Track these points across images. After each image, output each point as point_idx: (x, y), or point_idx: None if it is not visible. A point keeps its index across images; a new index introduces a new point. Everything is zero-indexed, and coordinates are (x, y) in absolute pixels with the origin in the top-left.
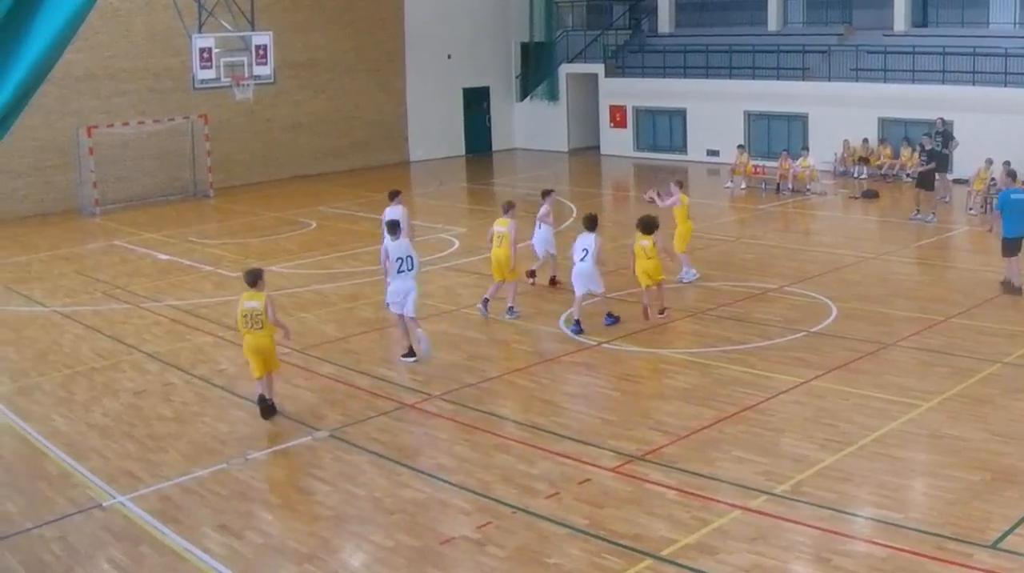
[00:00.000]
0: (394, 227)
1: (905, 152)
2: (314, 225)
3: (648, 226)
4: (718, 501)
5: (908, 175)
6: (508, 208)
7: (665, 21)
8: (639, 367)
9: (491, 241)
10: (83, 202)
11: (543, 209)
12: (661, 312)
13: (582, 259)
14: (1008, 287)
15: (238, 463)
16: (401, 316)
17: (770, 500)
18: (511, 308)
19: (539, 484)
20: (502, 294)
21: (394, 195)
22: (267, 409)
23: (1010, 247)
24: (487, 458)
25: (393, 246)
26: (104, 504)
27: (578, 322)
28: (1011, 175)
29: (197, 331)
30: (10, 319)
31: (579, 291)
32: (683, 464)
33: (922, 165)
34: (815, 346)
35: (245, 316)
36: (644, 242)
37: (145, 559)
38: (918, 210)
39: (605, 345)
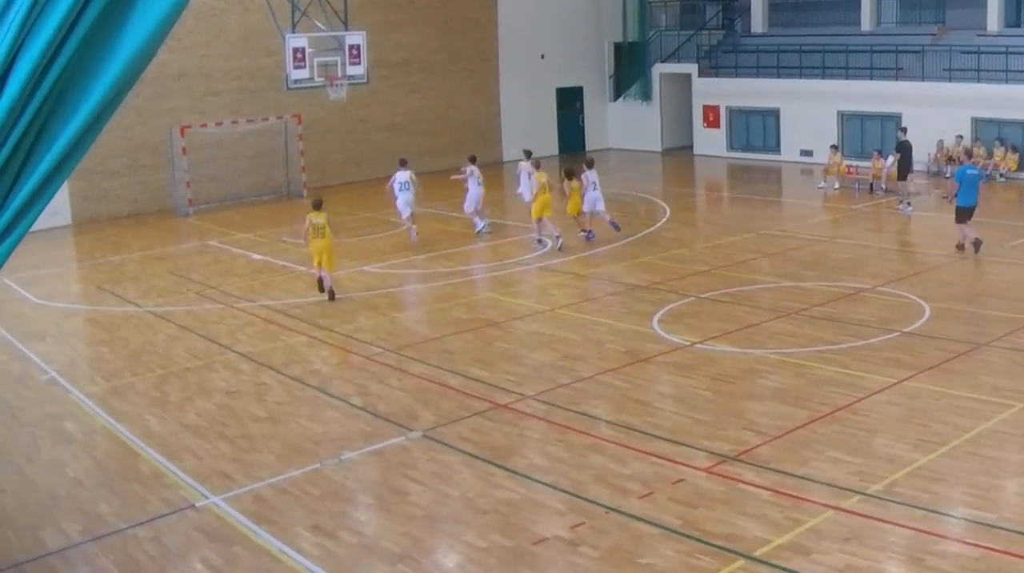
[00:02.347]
0: (403, 161)
1: (998, 152)
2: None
3: (571, 172)
4: (811, 501)
5: (1001, 175)
6: (538, 164)
7: (758, 21)
8: (732, 367)
9: (538, 189)
10: (176, 202)
11: (525, 167)
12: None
13: (594, 189)
14: (961, 250)
15: (332, 463)
16: (410, 216)
17: (863, 500)
18: (557, 237)
19: (632, 484)
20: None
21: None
22: (330, 294)
23: (962, 215)
24: (580, 458)
25: (400, 174)
26: (197, 504)
27: (591, 233)
28: (968, 153)
29: (290, 331)
30: (104, 319)
31: (599, 209)
32: (776, 464)
33: (896, 158)
34: (908, 346)
35: (313, 228)
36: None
37: (239, 560)
38: (902, 200)
39: (698, 345)
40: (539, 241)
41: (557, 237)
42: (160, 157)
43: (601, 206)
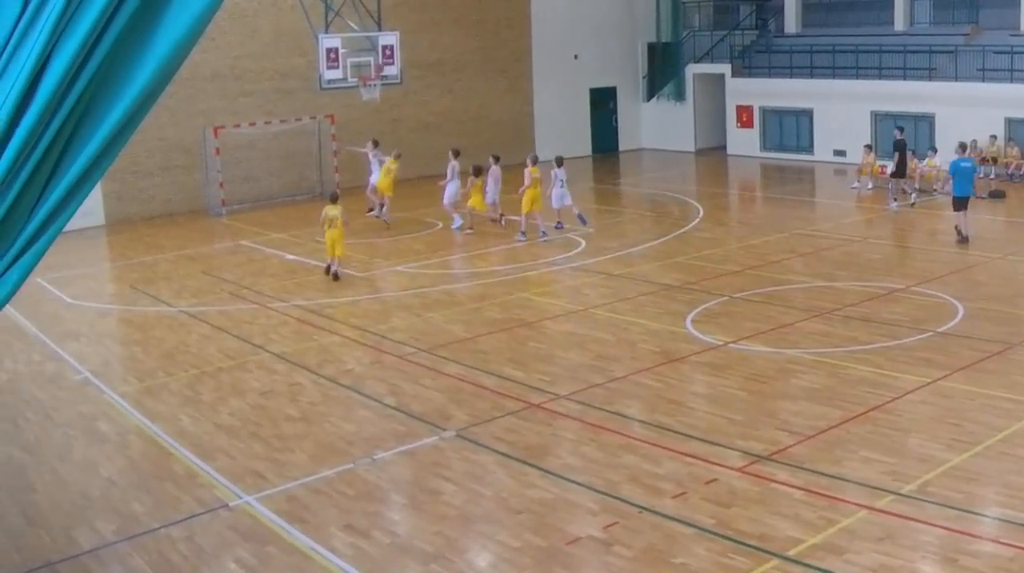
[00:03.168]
0: (376, 143)
1: None
2: (440, 225)
3: (479, 170)
4: (845, 501)
5: None
6: (535, 160)
7: (792, 21)
8: (766, 367)
9: (529, 184)
10: (210, 202)
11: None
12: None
13: (561, 186)
14: (960, 237)
15: (365, 463)
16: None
17: (897, 500)
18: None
19: (666, 484)
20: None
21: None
22: (334, 276)
23: (958, 204)
24: (614, 458)
25: (372, 152)
26: (231, 504)
27: (561, 223)
28: (962, 147)
29: (324, 331)
30: (137, 319)
31: (567, 203)
32: (810, 464)
33: (896, 157)
34: (942, 346)
35: (328, 219)
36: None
37: (272, 559)
38: (895, 199)
39: (731, 345)
40: (523, 233)
41: (543, 232)
42: (193, 157)
43: (568, 200)
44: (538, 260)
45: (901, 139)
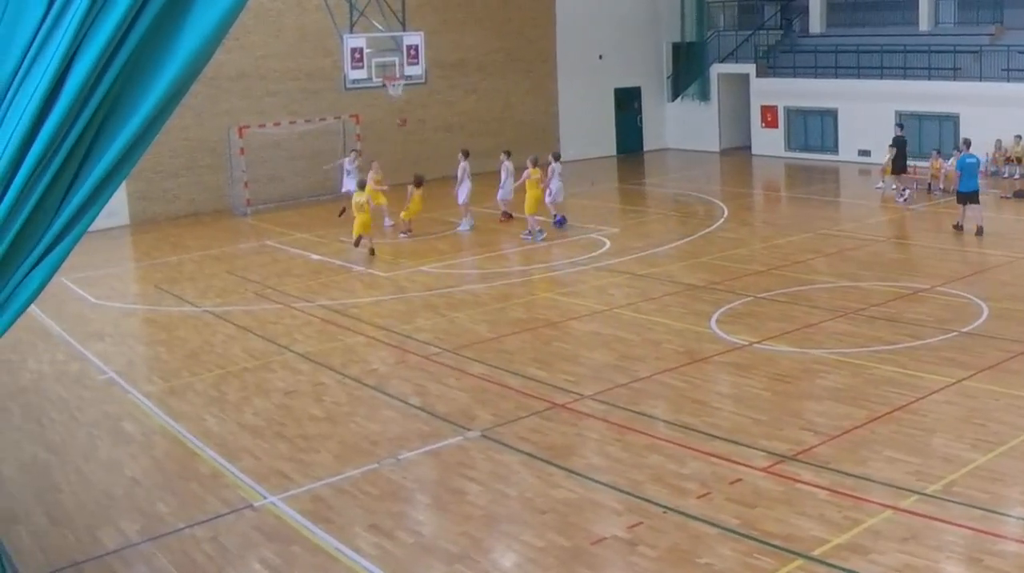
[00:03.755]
0: (359, 153)
1: None
2: (464, 225)
3: (419, 181)
4: (869, 501)
5: None
6: (536, 162)
7: (816, 21)
8: (790, 367)
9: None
10: (234, 202)
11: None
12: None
13: (558, 180)
14: (960, 230)
15: (389, 463)
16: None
17: (921, 500)
18: (540, 230)
19: (690, 484)
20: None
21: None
22: (370, 252)
23: (962, 198)
24: (638, 458)
25: (348, 161)
26: (256, 504)
27: (561, 217)
28: (967, 143)
29: (348, 331)
30: (162, 319)
31: (559, 200)
32: (834, 464)
33: (892, 152)
34: (966, 346)
35: (357, 203)
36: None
37: (297, 559)
38: (905, 190)
39: (756, 345)
40: (539, 231)
41: (539, 230)
42: (218, 157)
43: (561, 198)
44: (562, 260)
45: (901, 136)
